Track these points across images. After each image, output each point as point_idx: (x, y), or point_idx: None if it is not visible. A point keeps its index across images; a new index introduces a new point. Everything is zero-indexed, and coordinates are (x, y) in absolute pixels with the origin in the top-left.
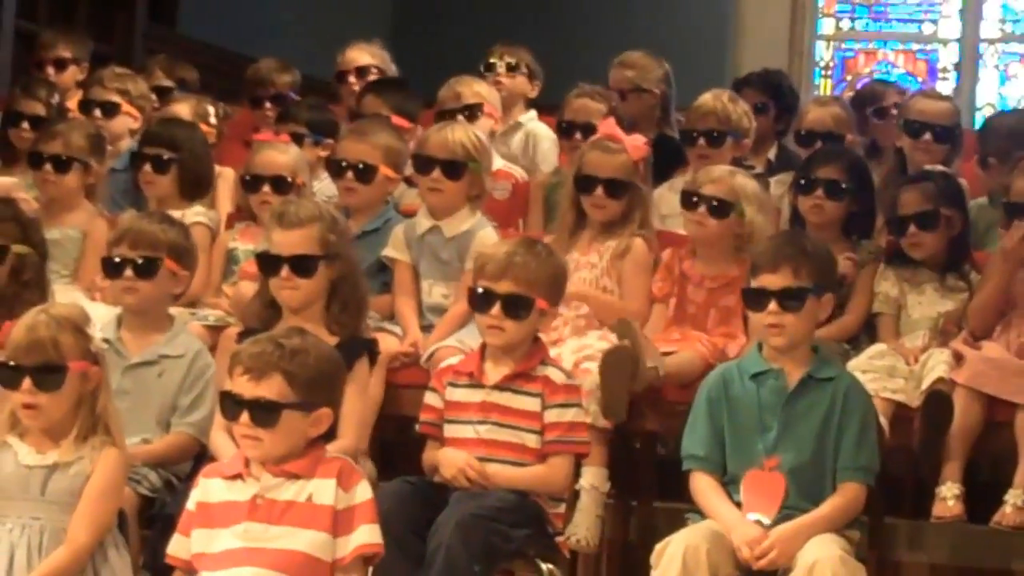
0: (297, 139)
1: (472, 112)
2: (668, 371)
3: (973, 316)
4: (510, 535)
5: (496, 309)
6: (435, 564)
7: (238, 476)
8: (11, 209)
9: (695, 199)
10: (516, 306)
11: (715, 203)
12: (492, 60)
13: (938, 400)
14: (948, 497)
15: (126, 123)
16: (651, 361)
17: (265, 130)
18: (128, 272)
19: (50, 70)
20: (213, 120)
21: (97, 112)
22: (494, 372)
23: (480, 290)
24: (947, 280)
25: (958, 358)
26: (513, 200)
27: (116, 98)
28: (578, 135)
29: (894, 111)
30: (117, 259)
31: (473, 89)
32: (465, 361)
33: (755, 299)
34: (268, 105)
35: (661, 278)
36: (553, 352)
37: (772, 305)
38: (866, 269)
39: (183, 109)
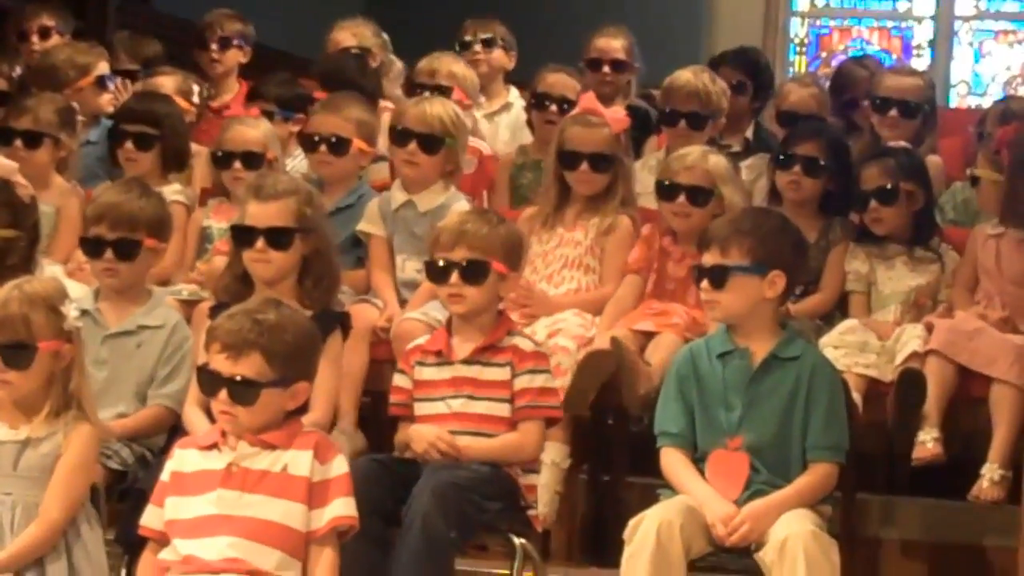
0: (267, 116)
1: (443, 93)
2: (656, 364)
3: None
4: (484, 506)
5: (454, 277)
6: (412, 531)
7: (214, 446)
8: (5, 193)
9: (672, 189)
10: (473, 272)
11: (693, 190)
12: (467, 38)
13: (911, 379)
14: (927, 440)
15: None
16: (643, 387)
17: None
18: (108, 254)
19: (34, 38)
20: (196, 99)
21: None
22: (462, 347)
23: (436, 261)
24: (916, 253)
25: (931, 331)
26: (478, 174)
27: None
28: (553, 107)
29: (865, 100)
30: (96, 239)
31: (449, 69)
32: (432, 339)
33: (694, 276)
34: (214, 48)
35: (640, 250)
36: (527, 330)
37: (704, 282)
38: (840, 246)
39: (168, 83)
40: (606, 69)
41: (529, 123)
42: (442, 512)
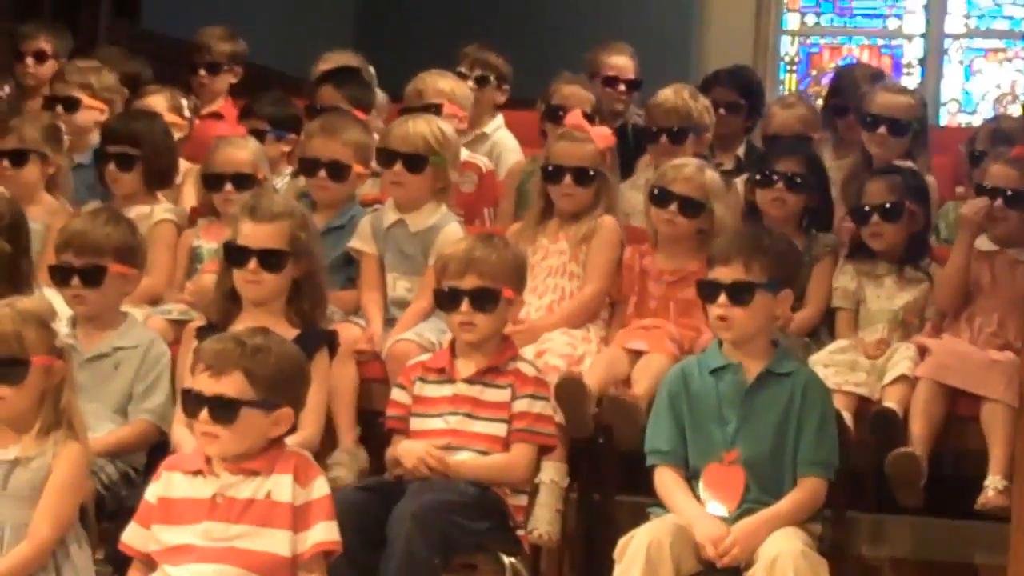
0: (259, 135)
1: (434, 112)
2: (643, 391)
3: (939, 290)
4: (470, 528)
5: (465, 305)
6: (395, 555)
7: (199, 472)
8: None
9: (665, 196)
10: (484, 299)
11: (687, 201)
12: (462, 70)
13: (885, 421)
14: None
15: (92, 116)
16: (639, 422)
17: (200, 98)
18: (75, 281)
19: (29, 61)
20: (187, 113)
21: (59, 108)
22: (465, 368)
23: (446, 289)
24: (905, 272)
25: (923, 352)
26: (479, 191)
27: (77, 92)
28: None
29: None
30: (63, 266)
31: (436, 87)
32: (435, 358)
33: (707, 291)
34: (202, 73)
35: (623, 276)
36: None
37: (722, 298)
38: (823, 262)
39: (158, 102)
40: (622, 88)
41: (543, 132)
42: (423, 535)
